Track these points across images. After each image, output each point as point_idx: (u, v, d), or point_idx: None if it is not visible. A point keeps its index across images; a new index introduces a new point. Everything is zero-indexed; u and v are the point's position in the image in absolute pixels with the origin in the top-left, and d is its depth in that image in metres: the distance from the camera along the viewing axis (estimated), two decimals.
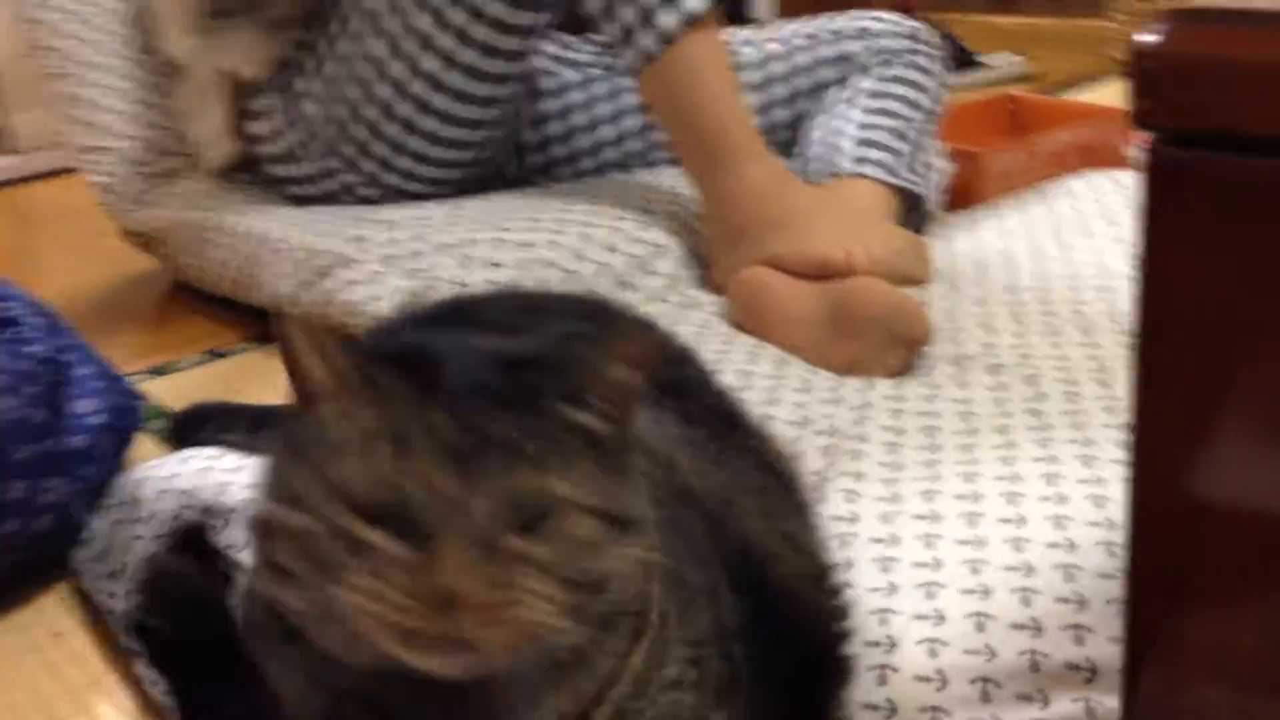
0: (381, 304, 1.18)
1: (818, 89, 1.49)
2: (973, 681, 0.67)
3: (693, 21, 1.20)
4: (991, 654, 0.68)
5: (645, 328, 0.50)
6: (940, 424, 0.94)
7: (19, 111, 2.44)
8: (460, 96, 1.35)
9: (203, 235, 1.48)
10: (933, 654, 0.68)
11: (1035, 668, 0.67)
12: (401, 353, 0.50)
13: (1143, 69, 0.45)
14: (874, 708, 0.67)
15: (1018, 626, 0.69)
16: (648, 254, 1.31)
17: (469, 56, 1.32)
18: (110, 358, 1.08)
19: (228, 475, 0.99)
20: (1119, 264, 1.23)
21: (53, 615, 0.92)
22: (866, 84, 1.43)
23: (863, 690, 0.67)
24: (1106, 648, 0.67)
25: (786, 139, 1.51)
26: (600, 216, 1.33)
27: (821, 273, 1.17)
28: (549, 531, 0.47)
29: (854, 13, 1.50)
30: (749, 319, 1.20)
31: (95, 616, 0.91)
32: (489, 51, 1.32)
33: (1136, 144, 1.61)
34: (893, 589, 0.74)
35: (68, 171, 2.36)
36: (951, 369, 1.04)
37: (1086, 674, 0.67)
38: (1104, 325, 1.09)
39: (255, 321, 1.44)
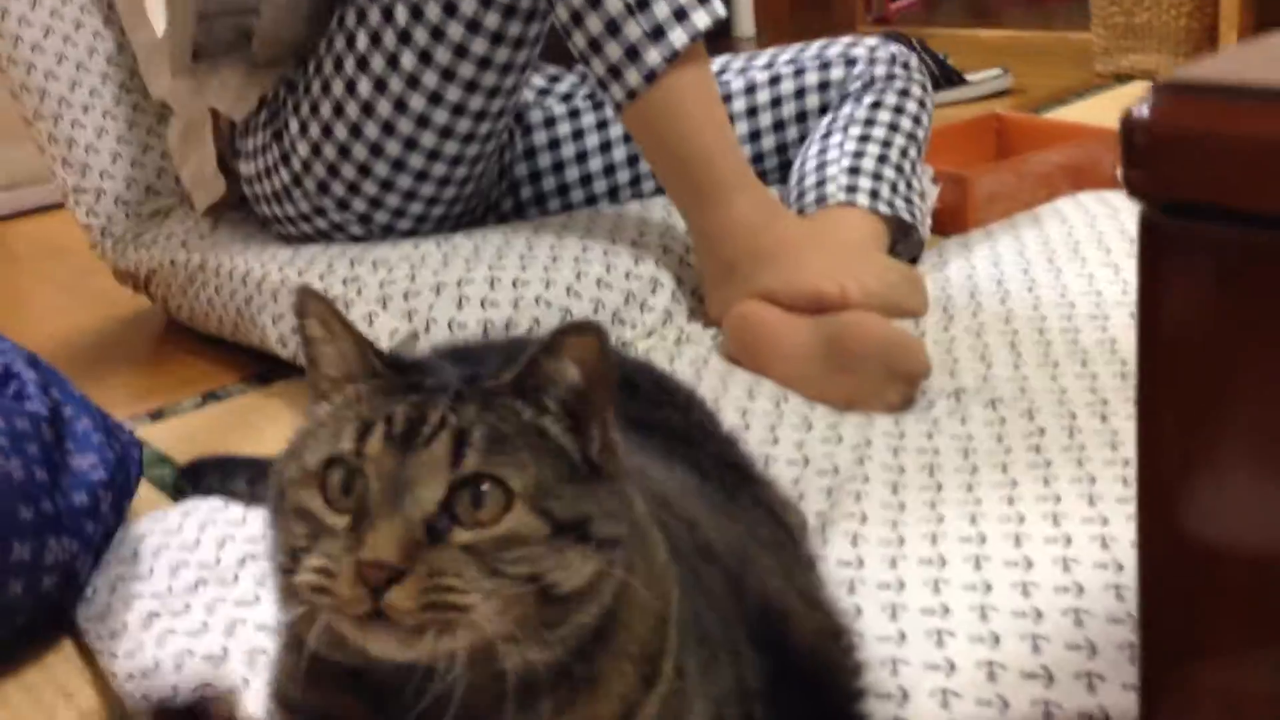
0: (379, 345, 1.18)
1: (803, 116, 1.50)
2: None
3: (680, 56, 1.21)
4: (1004, 704, 0.68)
5: (593, 329, 0.51)
6: (941, 461, 0.95)
7: (2, 147, 2.43)
8: (447, 133, 1.35)
9: (195, 275, 1.48)
10: (945, 705, 0.69)
11: (1049, 718, 0.68)
12: (396, 357, 0.56)
13: (1132, 141, 0.45)
14: None
15: (1029, 675, 0.70)
16: (641, 289, 1.31)
17: (455, 94, 1.32)
18: (106, 402, 1.08)
19: (230, 529, 0.99)
20: (1112, 290, 1.24)
21: (61, 674, 0.92)
22: (853, 111, 1.43)
23: None
24: (1120, 695, 0.67)
25: (773, 166, 1.52)
26: (593, 252, 1.33)
27: (815, 306, 1.17)
28: (488, 521, 0.48)
29: (838, 39, 1.51)
30: (744, 354, 1.21)
31: (101, 675, 0.90)
32: (474, 88, 1.32)
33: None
34: (902, 637, 0.74)
35: (50, 209, 2.35)
36: (950, 403, 1.05)
37: None
38: (1100, 355, 1.10)
39: (251, 362, 1.44)
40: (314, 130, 1.38)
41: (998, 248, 1.41)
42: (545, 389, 0.52)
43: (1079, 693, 0.68)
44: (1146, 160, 0.45)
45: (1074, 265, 1.31)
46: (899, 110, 1.43)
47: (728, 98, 1.49)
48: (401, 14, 1.29)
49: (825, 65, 1.49)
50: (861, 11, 3.47)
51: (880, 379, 1.06)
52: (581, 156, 1.54)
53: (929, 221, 1.44)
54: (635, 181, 1.55)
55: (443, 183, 1.40)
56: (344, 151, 1.37)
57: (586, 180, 1.55)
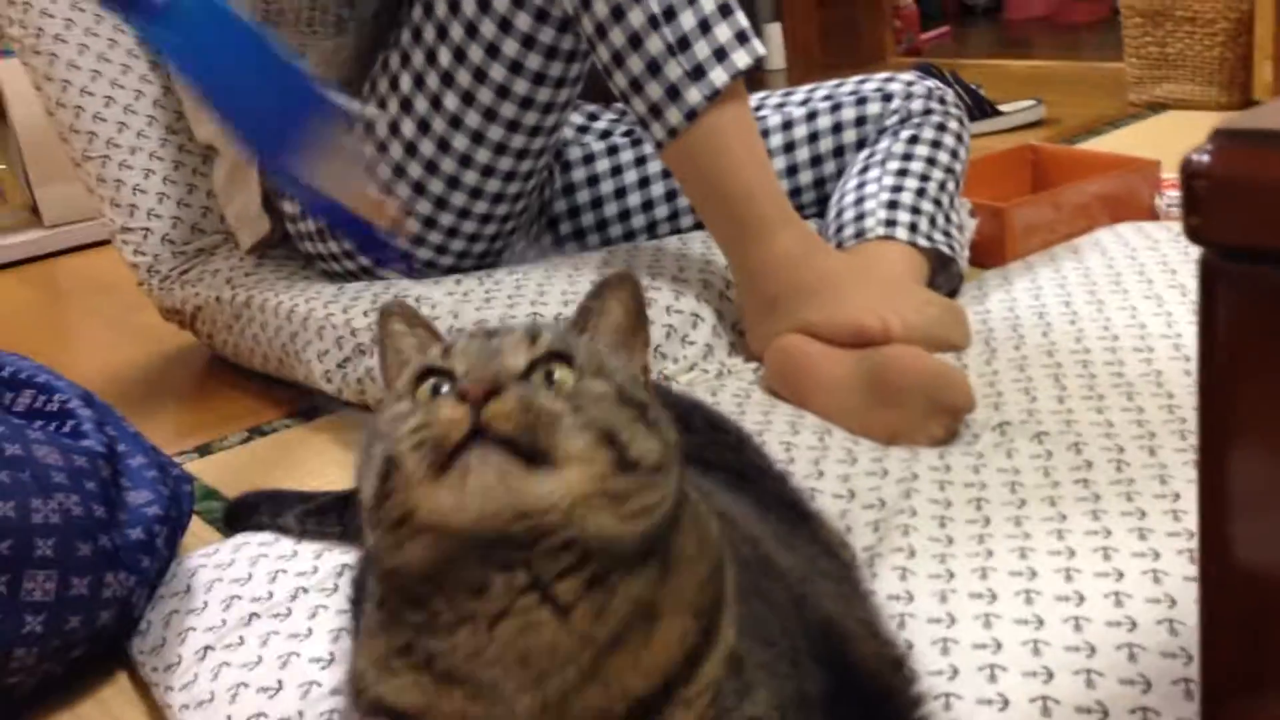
0: None
1: (840, 151, 1.51)
2: None
3: (720, 95, 1.22)
4: None
5: (630, 277, 0.61)
6: (988, 495, 0.95)
7: (43, 186, 2.47)
8: (490, 171, 1.37)
9: (240, 312, 1.50)
10: None
11: None
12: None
13: (1191, 187, 0.46)
14: None
15: (1083, 710, 0.70)
16: (682, 324, 1.32)
17: (498, 133, 1.34)
18: (153, 437, 1.09)
19: (281, 563, 1.00)
20: (1156, 323, 1.23)
21: (116, 708, 0.93)
22: (890, 146, 1.44)
23: None
24: None
25: (810, 201, 1.53)
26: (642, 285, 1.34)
27: (857, 340, 1.18)
28: (562, 381, 0.53)
29: (873, 75, 1.53)
30: (786, 387, 1.21)
31: (158, 707, 0.91)
32: (517, 127, 1.34)
33: (1163, 193, 1.62)
34: (954, 672, 0.74)
35: (95, 245, 2.40)
36: (995, 437, 1.05)
37: None
38: (1146, 389, 1.10)
39: (295, 398, 1.45)
40: None
41: (1038, 280, 1.41)
42: (596, 325, 0.59)
43: None
44: (1207, 206, 0.45)
45: (1116, 297, 1.31)
46: (936, 144, 1.43)
47: (765, 133, 1.50)
48: (445, 56, 1.31)
49: (862, 100, 1.50)
50: (892, 44, 3.49)
51: (923, 413, 1.07)
52: (620, 192, 1.56)
53: (967, 254, 1.44)
54: (673, 216, 1.56)
55: (485, 219, 1.42)
56: (387, 189, 1.39)
57: (625, 216, 1.56)
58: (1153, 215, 1.61)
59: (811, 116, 1.52)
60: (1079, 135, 2.31)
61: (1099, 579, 0.81)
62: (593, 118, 1.61)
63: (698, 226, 1.51)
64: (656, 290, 1.34)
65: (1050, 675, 0.72)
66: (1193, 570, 0.79)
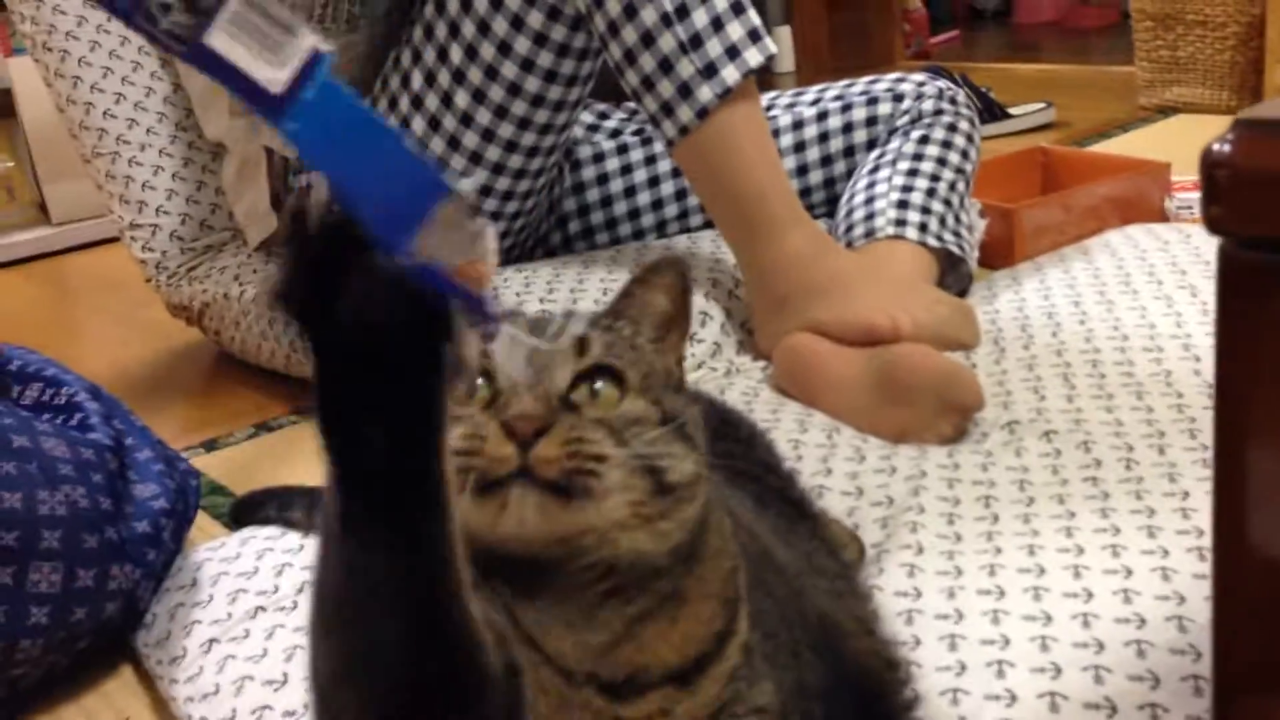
0: None
1: (851, 151, 1.50)
2: None
3: (732, 93, 1.22)
4: None
5: (678, 265, 0.59)
6: (997, 493, 0.95)
7: (51, 184, 2.48)
8: (500, 169, 1.37)
9: (248, 309, 1.50)
10: None
11: None
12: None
13: (1212, 177, 0.46)
14: None
15: (1092, 706, 0.69)
16: (692, 322, 1.31)
17: (509, 130, 1.34)
18: (160, 432, 1.09)
19: (288, 556, 1.00)
20: (1165, 323, 1.23)
21: (120, 700, 0.93)
22: (901, 146, 1.44)
23: None
24: None
25: (820, 201, 1.52)
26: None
27: (866, 339, 1.17)
28: (605, 400, 0.53)
29: (884, 76, 1.52)
30: (795, 385, 1.21)
31: (161, 700, 0.91)
32: (528, 124, 1.34)
33: (1172, 195, 1.61)
34: (962, 668, 0.74)
35: (103, 243, 2.40)
36: (1004, 435, 1.04)
37: None
38: (1155, 388, 1.09)
39: (301, 393, 1.45)
40: None
41: (1047, 280, 1.41)
42: (640, 314, 0.58)
43: None
44: (1227, 196, 0.45)
45: (1125, 298, 1.31)
46: (947, 144, 1.43)
47: (775, 133, 1.50)
48: (457, 54, 1.31)
49: (872, 101, 1.49)
50: (901, 46, 3.49)
51: (933, 411, 1.06)
52: (629, 191, 1.56)
53: (977, 255, 1.44)
54: (683, 215, 1.56)
55: (494, 217, 1.41)
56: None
57: (634, 214, 1.56)
58: (1162, 217, 1.60)
59: (822, 116, 1.52)
60: (1089, 138, 2.30)
61: (1107, 576, 0.80)
62: (603, 116, 1.61)
63: (707, 225, 1.51)
64: None
65: (1058, 671, 0.72)
66: (1201, 568, 0.79)
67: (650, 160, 1.55)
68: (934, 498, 0.95)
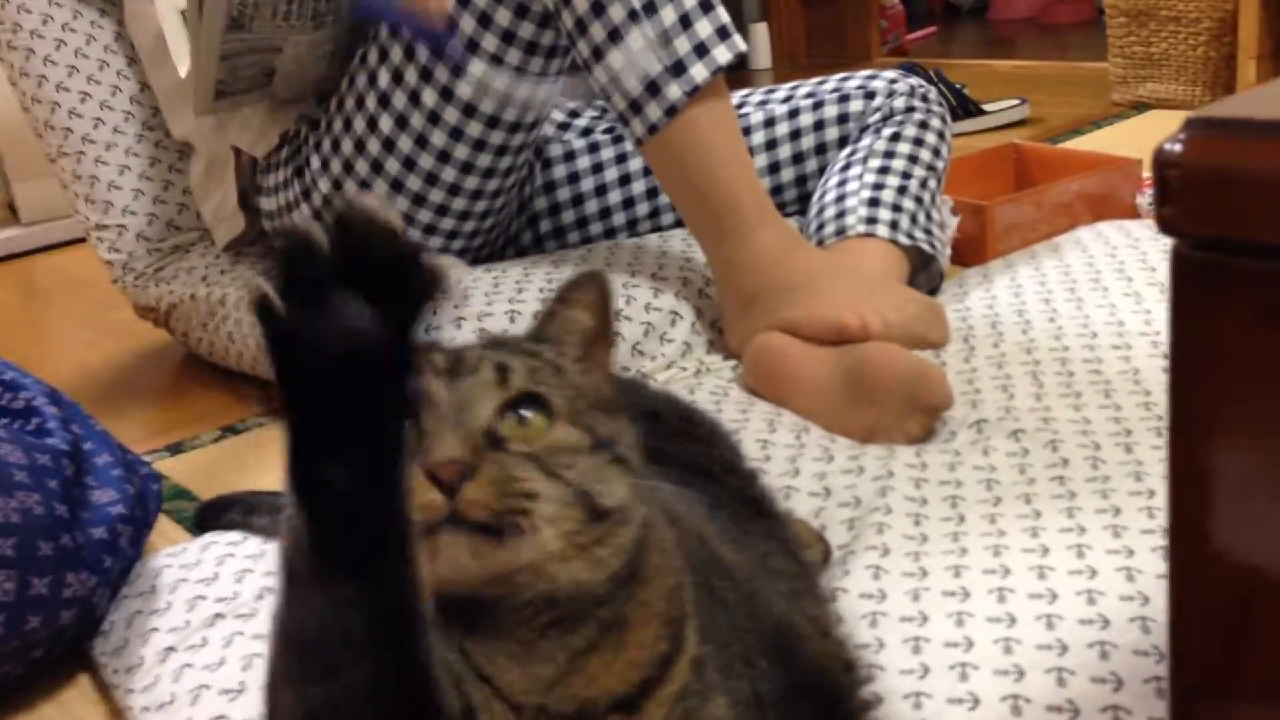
0: None
1: (822, 149, 1.50)
2: None
3: (700, 91, 1.21)
4: None
5: (598, 279, 0.58)
6: (964, 493, 0.94)
7: (21, 183, 2.45)
8: (468, 169, 1.36)
9: (215, 310, 1.49)
10: None
11: None
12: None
13: (1165, 177, 0.45)
14: None
15: (1054, 709, 0.69)
16: (661, 321, 1.31)
17: (476, 130, 1.33)
18: (125, 435, 1.08)
19: (249, 562, 0.99)
20: (1134, 320, 1.23)
21: (77, 708, 0.91)
22: (872, 143, 1.43)
23: None
24: None
25: (792, 199, 1.52)
26: (612, 285, 1.33)
27: (836, 338, 1.17)
28: (533, 429, 0.52)
29: (856, 73, 1.52)
30: (764, 385, 1.20)
31: (118, 710, 0.90)
32: (495, 124, 1.33)
33: (1144, 191, 1.61)
34: (925, 670, 0.73)
35: (72, 243, 2.38)
36: (972, 434, 1.04)
37: None
38: (1123, 386, 1.09)
39: (269, 395, 1.44)
40: (335, 166, 1.39)
41: (1018, 278, 1.40)
42: (562, 334, 0.57)
43: None
44: (1179, 196, 0.44)
45: (1095, 295, 1.30)
46: (918, 142, 1.43)
47: (746, 131, 1.49)
48: (421, 52, 1.30)
49: (844, 98, 1.49)
50: (878, 43, 3.49)
51: (901, 410, 1.06)
52: (600, 190, 1.55)
53: (949, 252, 1.43)
54: (654, 214, 1.55)
55: (463, 217, 1.40)
56: (365, 186, 1.38)
57: (605, 213, 1.55)
58: (1134, 214, 1.60)
59: (794, 114, 1.51)
60: (1062, 134, 2.30)
61: (1072, 576, 0.80)
62: (574, 115, 1.60)
63: (678, 224, 1.50)
64: (636, 287, 1.33)
65: (1021, 674, 0.71)
66: (1165, 568, 0.78)
67: (621, 159, 1.54)
68: (901, 498, 0.94)
